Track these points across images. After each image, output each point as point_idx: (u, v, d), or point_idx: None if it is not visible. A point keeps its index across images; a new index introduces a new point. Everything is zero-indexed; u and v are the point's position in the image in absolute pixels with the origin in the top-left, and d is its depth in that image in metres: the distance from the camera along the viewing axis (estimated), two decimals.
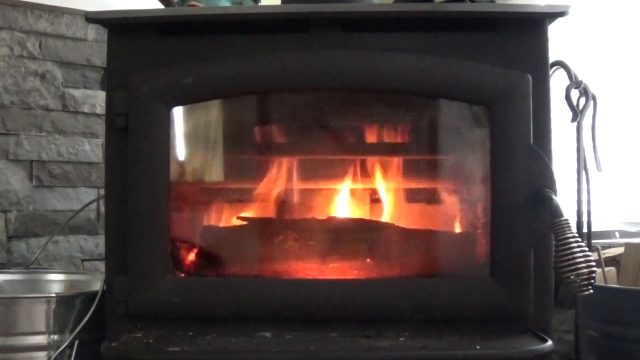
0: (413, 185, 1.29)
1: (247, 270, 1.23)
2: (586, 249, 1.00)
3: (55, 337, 1.14)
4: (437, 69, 1.10)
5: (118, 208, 1.13)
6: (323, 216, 1.26)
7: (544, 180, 1.08)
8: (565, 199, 1.09)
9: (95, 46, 1.74)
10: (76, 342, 1.14)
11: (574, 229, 1.02)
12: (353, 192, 1.27)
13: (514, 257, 1.08)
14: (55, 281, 1.41)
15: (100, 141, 1.73)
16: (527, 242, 1.08)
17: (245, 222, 1.26)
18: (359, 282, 1.16)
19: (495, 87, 1.10)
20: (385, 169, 1.28)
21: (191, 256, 1.22)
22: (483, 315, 1.09)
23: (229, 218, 1.27)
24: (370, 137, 1.30)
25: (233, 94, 1.18)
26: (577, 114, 1.19)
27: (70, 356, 1.14)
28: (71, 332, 1.15)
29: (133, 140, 1.11)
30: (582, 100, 1.20)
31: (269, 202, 1.28)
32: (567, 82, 1.19)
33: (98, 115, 1.73)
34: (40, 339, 1.13)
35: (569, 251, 0.99)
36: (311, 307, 1.10)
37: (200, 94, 1.14)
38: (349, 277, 1.18)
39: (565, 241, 1.00)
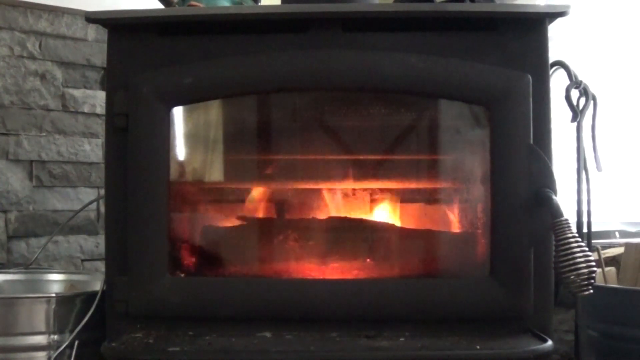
0: (413, 185, 1.29)
1: (247, 270, 1.23)
2: (586, 249, 1.00)
3: (55, 337, 1.14)
4: (437, 69, 1.10)
5: (118, 208, 1.13)
6: (323, 216, 1.26)
7: (544, 180, 1.08)
8: (565, 199, 1.09)
9: (95, 46, 1.74)
10: (76, 342, 1.14)
11: (574, 229, 1.02)
12: (353, 192, 1.27)
13: (514, 257, 1.08)
14: (55, 281, 1.41)
15: (100, 141, 1.73)
16: (527, 242, 1.08)
17: (245, 222, 1.26)
18: (359, 282, 1.16)
19: (495, 87, 1.10)
20: (385, 169, 1.28)
21: (191, 256, 1.22)
22: (483, 315, 1.09)
23: (229, 218, 1.27)
24: (370, 137, 1.29)
25: (233, 94, 1.18)
26: (577, 114, 1.19)
27: (70, 356, 1.14)
28: (71, 332, 1.15)
29: (133, 140, 1.11)
30: (582, 100, 1.20)
31: (269, 202, 1.28)
32: (567, 82, 1.19)
33: (98, 115, 1.73)
34: (40, 339, 1.13)
35: (569, 251, 0.99)
36: (311, 307, 1.10)
37: (200, 94, 1.14)
38: (349, 277, 1.18)
39: (565, 241, 1.00)
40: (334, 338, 1.08)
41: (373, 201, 1.27)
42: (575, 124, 1.20)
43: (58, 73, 1.69)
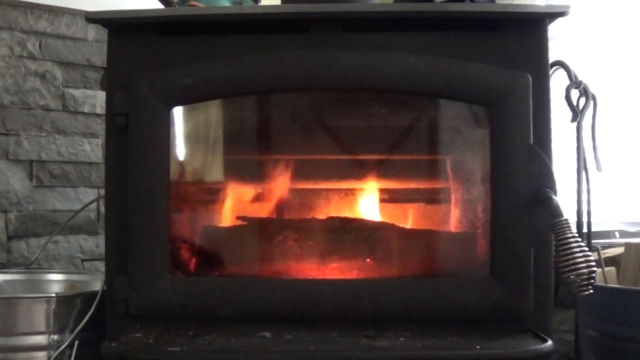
0: (413, 185, 1.29)
1: (247, 270, 1.23)
2: (586, 249, 1.00)
3: (55, 337, 1.14)
4: (437, 69, 1.10)
5: (118, 208, 1.13)
6: (323, 216, 1.26)
7: (544, 180, 1.08)
8: (565, 199, 1.09)
9: (95, 46, 1.74)
10: (76, 342, 1.14)
11: (574, 229, 1.02)
12: (353, 192, 1.27)
13: (514, 257, 1.08)
14: (55, 281, 1.41)
15: (100, 141, 1.73)
16: (527, 242, 1.08)
17: (245, 222, 1.26)
18: (359, 282, 1.16)
19: (495, 87, 1.10)
20: (385, 169, 1.28)
21: (191, 256, 1.22)
22: (483, 315, 1.09)
23: (229, 218, 1.27)
24: (370, 137, 1.29)
25: (233, 94, 1.18)
26: (577, 114, 1.19)
27: (70, 356, 1.14)
28: (71, 332, 1.15)
29: (133, 140, 1.11)
30: (582, 100, 1.20)
31: (269, 202, 1.28)
32: (567, 82, 1.19)
33: (98, 115, 1.73)
34: (40, 339, 1.13)
35: (569, 251, 0.99)
36: (311, 307, 1.10)
37: (200, 94, 1.14)
38: (349, 277, 1.18)
39: (565, 241, 1.00)
40: (334, 338, 1.08)
41: (373, 201, 1.27)
42: (575, 124, 1.20)
43: (58, 73, 1.69)
